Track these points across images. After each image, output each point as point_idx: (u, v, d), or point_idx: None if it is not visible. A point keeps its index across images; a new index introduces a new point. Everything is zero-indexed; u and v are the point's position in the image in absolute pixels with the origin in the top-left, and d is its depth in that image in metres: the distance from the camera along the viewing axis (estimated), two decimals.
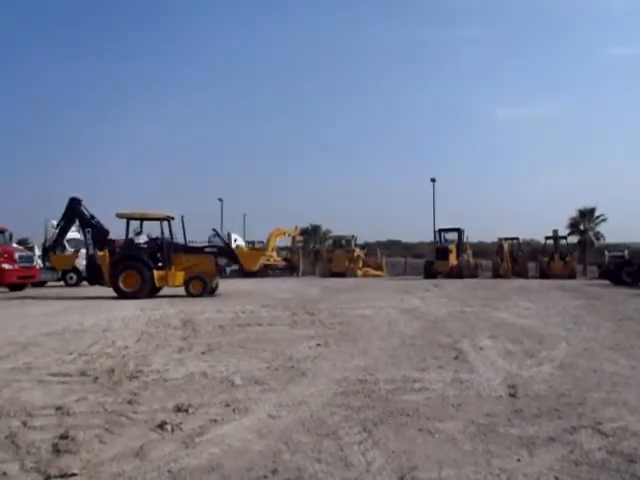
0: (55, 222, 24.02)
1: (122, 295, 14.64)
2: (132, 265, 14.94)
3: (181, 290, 15.06)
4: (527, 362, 5.44)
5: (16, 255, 18.71)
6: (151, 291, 15.11)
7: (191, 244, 16.52)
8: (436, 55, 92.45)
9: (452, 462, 2.82)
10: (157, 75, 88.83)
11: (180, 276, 15.24)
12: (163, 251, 15.35)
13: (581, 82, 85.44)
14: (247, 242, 33.48)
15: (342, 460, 2.85)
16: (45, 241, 23.92)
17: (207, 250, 16.16)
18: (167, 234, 15.60)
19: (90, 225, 16.29)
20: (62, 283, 22.71)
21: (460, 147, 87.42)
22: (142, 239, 15.82)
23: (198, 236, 21.39)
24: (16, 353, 6.10)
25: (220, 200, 46.08)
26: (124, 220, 15.50)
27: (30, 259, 20.01)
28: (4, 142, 75.87)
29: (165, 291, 15.57)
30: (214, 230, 17.68)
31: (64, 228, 17.01)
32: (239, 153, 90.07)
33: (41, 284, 22.00)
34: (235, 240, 35.76)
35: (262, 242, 30.82)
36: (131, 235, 15.82)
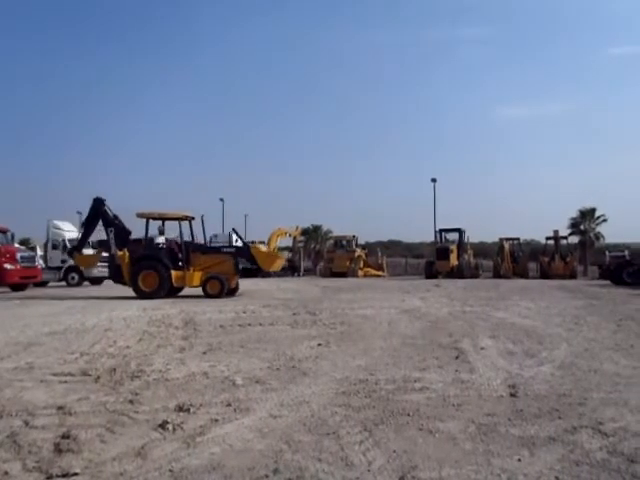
0: (57, 222, 24.17)
1: (141, 295, 14.63)
2: (151, 265, 14.93)
3: (198, 290, 15.03)
4: (528, 362, 5.45)
5: (18, 255, 18.74)
6: (170, 291, 15.08)
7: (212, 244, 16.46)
8: (436, 54, 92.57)
9: (453, 462, 2.82)
10: (157, 75, 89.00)
11: (198, 276, 15.16)
12: (181, 251, 15.29)
13: (582, 82, 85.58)
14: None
15: (343, 460, 2.86)
16: (47, 241, 24.02)
17: (226, 250, 16.11)
18: (186, 234, 15.61)
19: (113, 225, 16.31)
20: (64, 283, 22.74)
21: (461, 147, 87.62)
22: (161, 239, 15.79)
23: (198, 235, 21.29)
24: (18, 353, 6.12)
25: (221, 200, 46.15)
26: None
27: (32, 259, 20.04)
28: (6, 142, 76.03)
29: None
30: (233, 229, 17.28)
31: (88, 227, 17.02)
32: (240, 153, 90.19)
33: (43, 284, 22.03)
34: (236, 240, 35.81)
35: (263, 242, 30.83)
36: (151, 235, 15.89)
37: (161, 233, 15.93)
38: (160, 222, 16.61)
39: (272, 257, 16.46)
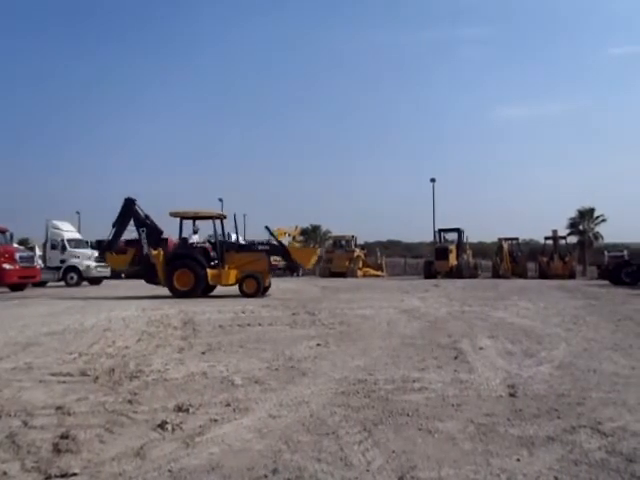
0: (56, 222, 24.15)
1: (176, 294, 14.57)
2: (186, 264, 14.86)
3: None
4: (526, 362, 5.45)
5: (17, 255, 18.72)
6: (204, 290, 15.06)
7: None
8: (436, 54, 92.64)
9: (452, 462, 2.83)
10: (157, 75, 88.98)
11: (233, 275, 15.09)
12: (216, 250, 15.26)
13: (581, 82, 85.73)
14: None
15: (342, 460, 2.86)
16: (46, 241, 24.00)
17: (260, 248, 15.96)
18: (219, 232, 15.57)
19: (144, 225, 16.31)
20: (63, 283, 22.72)
21: (460, 147, 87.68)
22: (195, 238, 15.73)
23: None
24: (17, 353, 6.11)
25: (220, 200, 46.08)
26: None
27: (31, 259, 20.03)
28: (5, 142, 75.98)
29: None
30: (266, 227, 17.13)
31: (120, 227, 16.98)
32: (239, 153, 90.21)
33: (42, 284, 22.01)
34: (237, 239, 35.76)
35: (262, 242, 30.80)
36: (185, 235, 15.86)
37: (195, 232, 15.84)
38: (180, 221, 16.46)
39: (309, 253, 16.36)
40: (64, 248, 23.17)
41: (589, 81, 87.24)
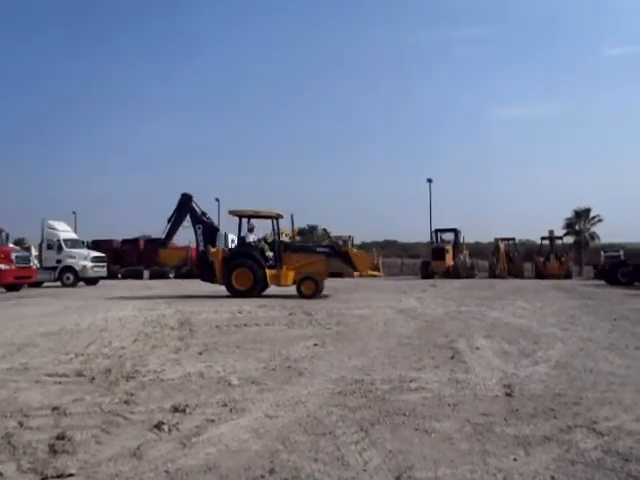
0: (52, 222, 24.09)
1: (234, 293, 14.47)
2: (244, 263, 14.75)
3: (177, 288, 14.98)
4: (523, 362, 5.46)
5: (13, 255, 18.67)
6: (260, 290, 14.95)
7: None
8: (435, 55, 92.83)
9: (448, 461, 2.83)
10: (157, 75, 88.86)
11: (291, 276, 14.98)
12: (273, 249, 15.16)
13: (578, 83, 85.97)
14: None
15: (339, 460, 2.86)
16: (42, 241, 23.93)
17: (319, 250, 15.90)
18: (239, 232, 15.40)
19: (201, 222, 16.12)
20: (59, 283, 22.66)
21: (457, 147, 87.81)
22: (251, 237, 15.61)
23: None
24: (12, 353, 6.09)
25: (217, 200, 46.05)
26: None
27: (27, 259, 19.97)
28: (4, 142, 75.77)
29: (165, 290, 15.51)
30: (324, 229, 16.89)
31: (175, 223, 16.77)
32: (239, 153, 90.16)
33: (38, 284, 21.94)
34: (232, 241, 35.73)
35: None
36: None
37: (251, 231, 15.68)
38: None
39: (367, 259, 16.25)
40: (60, 248, 23.11)
41: (588, 81, 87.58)
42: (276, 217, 15.53)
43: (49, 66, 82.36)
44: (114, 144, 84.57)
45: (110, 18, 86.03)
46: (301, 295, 14.46)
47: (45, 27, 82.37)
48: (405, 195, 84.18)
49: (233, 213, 15.56)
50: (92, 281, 23.60)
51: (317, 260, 15.29)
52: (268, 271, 14.78)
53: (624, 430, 3.30)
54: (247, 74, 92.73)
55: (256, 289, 14.64)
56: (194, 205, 16.30)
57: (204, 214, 16.36)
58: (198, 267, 16.63)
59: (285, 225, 16.49)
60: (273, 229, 15.46)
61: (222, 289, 15.30)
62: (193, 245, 37.26)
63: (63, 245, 23.26)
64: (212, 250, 15.37)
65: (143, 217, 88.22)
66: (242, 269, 14.71)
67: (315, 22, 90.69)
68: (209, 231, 16.10)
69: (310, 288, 14.57)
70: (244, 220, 15.53)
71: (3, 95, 79.15)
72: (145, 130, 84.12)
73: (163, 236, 17.37)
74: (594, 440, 3.14)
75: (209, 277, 15.60)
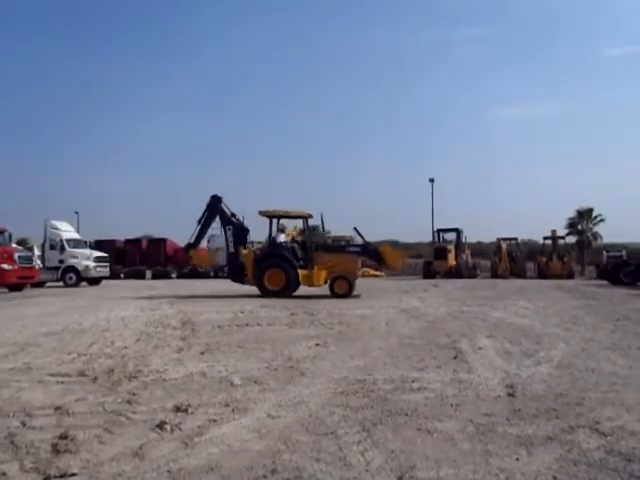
0: (55, 222, 24.14)
1: (266, 294, 14.35)
2: (277, 263, 14.65)
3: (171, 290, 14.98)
4: (525, 362, 5.45)
5: (15, 255, 18.71)
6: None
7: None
8: (433, 55, 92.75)
9: (451, 461, 2.83)
10: (157, 75, 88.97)
11: (323, 276, 14.87)
12: (304, 249, 15.09)
13: (579, 82, 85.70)
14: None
15: (341, 460, 2.86)
16: (45, 241, 23.98)
17: (351, 249, 15.75)
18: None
19: (231, 223, 16.11)
20: (61, 283, 22.70)
21: (458, 147, 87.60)
22: (282, 238, 15.52)
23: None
24: (15, 353, 6.10)
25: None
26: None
27: (29, 259, 20.02)
28: (5, 142, 75.96)
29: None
30: (355, 229, 16.69)
31: (205, 225, 16.83)
32: (239, 153, 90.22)
33: (40, 284, 21.98)
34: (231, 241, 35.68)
35: (260, 242, 30.81)
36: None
37: (282, 231, 15.64)
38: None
39: (399, 255, 16.09)
40: (63, 248, 23.14)
41: (588, 81, 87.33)
42: (307, 217, 15.45)
43: (49, 66, 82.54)
44: (114, 144, 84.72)
45: (110, 18, 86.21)
46: (334, 295, 14.36)
47: (45, 27, 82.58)
48: (406, 195, 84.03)
49: (263, 214, 15.42)
50: (95, 281, 23.64)
51: (349, 259, 15.18)
52: (300, 271, 14.67)
53: (627, 430, 3.29)
54: (247, 74, 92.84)
55: (289, 289, 14.54)
56: (223, 206, 16.30)
57: (233, 215, 16.32)
58: (228, 268, 16.58)
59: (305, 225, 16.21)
60: (304, 229, 15.39)
61: (222, 289, 15.33)
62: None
63: (66, 245, 23.30)
64: (243, 251, 15.34)
65: (145, 217, 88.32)
66: (274, 270, 14.60)
67: (315, 22, 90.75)
68: (239, 232, 16.06)
69: (343, 287, 14.49)
70: (274, 220, 15.44)
71: (3, 95, 79.35)
72: (145, 130, 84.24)
73: (193, 238, 17.36)
74: (597, 440, 3.13)
75: (239, 278, 15.56)
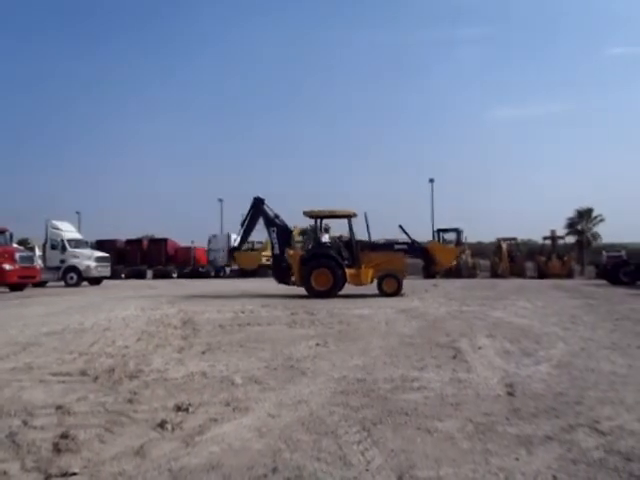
0: (56, 222, 24.17)
1: (313, 294, 14.27)
2: (324, 263, 14.54)
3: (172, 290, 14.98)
4: (525, 361, 5.46)
5: (17, 255, 18.74)
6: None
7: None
8: (436, 55, 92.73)
9: (450, 461, 2.84)
10: (157, 75, 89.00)
11: (370, 274, 14.80)
12: (350, 248, 15.00)
13: (579, 82, 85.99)
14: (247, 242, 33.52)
15: (341, 459, 2.87)
16: (46, 241, 24.01)
17: (397, 247, 15.56)
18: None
19: (274, 224, 16.06)
20: (62, 283, 22.72)
21: (459, 147, 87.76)
22: (326, 237, 15.46)
23: (198, 235, 21.26)
24: (16, 353, 6.12)
25: (220, 200, 46.21)
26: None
27: (31, 259, 20.04)
28: (5, 142, 76.00)
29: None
30: (400, 226, 16.51)
31: (249, 227, 16.85)
32: (239, 153, 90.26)
33: (42, 284, 22.02)
34: (235, 240, 35.75)
35: (261, 242, 30.84)
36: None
37: (326, 231, 15.60)
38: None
39: (450, 252, 15.93)
40: (64, 248, 23.19)
41: (587, 81, 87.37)
42: (351, 216, 15.31)
43: (49, 66, 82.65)
44: (115, 144, 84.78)
45: (110, 18, 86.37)
46: (382, 293, 14.26)
47: (45, 27, 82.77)
48: (406, 195, 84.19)
49: (308, 214, 15.36)
50: (96, 281, 23.68)
51: (396, 257, 15.10)
52: (347, 270, 14.58)
53: (626, 430, 3.30)
54: (247, 74, 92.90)
55: (336, 289, 14.44)
56: (266, 208, 16.24)
57: (277, 216, 16.25)
58: (273, 270, 16.52)
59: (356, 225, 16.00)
60: (350, 228, 15.17)
61: (223, 289, 15.34)
62: (196, 246, 37.62)
63: (67, 245, 23.33)
64: (290, 252, 15.30)
65: (146, 217, 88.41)
66: (322, 270, 14.47)
67: (315, 22, 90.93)
68: (283, 233, 16.02)
69: (392, 286, 14.42)
70: (317, 220, 15.42)
71: (4, 95, 79.43)
72: (145, 130, 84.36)
73: (237, 240, 17.34)
74: (596, 440, 3.14)
75: (285, 279, 15.54)
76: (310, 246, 16.53)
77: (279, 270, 15.79)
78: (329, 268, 14.49)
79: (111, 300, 14.07)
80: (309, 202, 78.55)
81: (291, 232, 16.35)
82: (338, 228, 15.98)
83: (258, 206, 16.34)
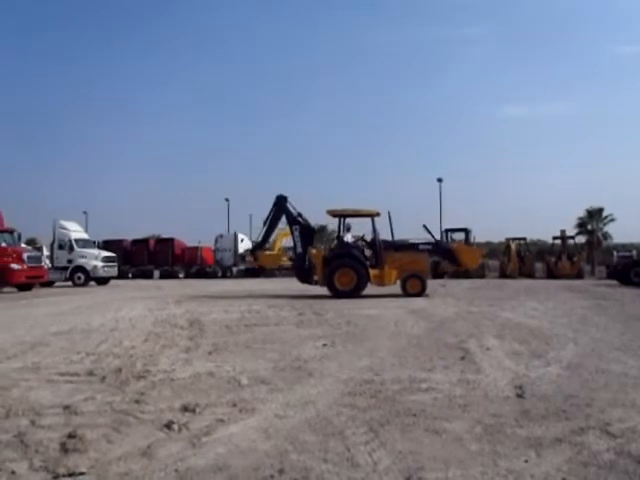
0: (63, 222, 24.31)
1: (336, 294, 14.10)
2: (347, 263, 14.35)
3: (178, 291, 15.02)
4: (534, 363, 5.41)
5: (24, 255, 18.86)
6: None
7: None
8: (441, 54, 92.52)
9: (459, 462, 2.81)
10: (157, 75, 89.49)
11: (394, 275, 14.62)
12: (373, 248, 14.84)
13: (587, 80, 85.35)
14: (253, 242, 33.57)
15: (349, 460, 2.85)
16: (53, 241, 24.15)
17: (421, 248, 15.28)
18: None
19: (297, 223, 15.91)
20: (70, 283, 22.85)
21: (467, 147, 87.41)
22: (349, 237, 15.20)
23: (204, 235, 21.32)
24: (24, 353, 6.15)
25: (227, 200, 46.36)
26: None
27: (38, 259, 20.17)
28: (13, 141, 76.69)
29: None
30: (424, 226, 16.29)
31: (271, 225, 16.70)
32: (241, 154, 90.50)
33: (49, 284, 22.15)
34: (242, 240, 35.84)
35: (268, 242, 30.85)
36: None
37: (348, 230, 15.46)
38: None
39: (474, 252, 15.71)
40: (71, 248, 23.31)
41: (596, 79, 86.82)
42: (375, 215, 15.11)
43: (49, 66, 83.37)
44: (123, 144, 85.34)
45: (110, 18, 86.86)
46: (406, 294, 14.11)
47: (45, 27, 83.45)
48: (414, 194, 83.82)
49: (332, 213, 15.21)
50: (103, 281, 23.79)
51: (420, 258, 14.90)
52: (371, 271, 14.43)
53: (637, 432, 3.26)
54: (248, 74, 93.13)
55: (360, 289, 14.27)
56: (289, 206, 16.06)
57: (300, 215, 16.06)
58: (295, 269, 16.37)
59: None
60: (374, 228, 14.99)
61: (230, 289, 15.36)
62: (202, 245, 37.71)
63: (74, 245, 23.46)
64: (313, 252, 15.16)
65: (153, 217, 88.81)
66: (345, 270, 14.29)
67: (315, 22, 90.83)
68: (306, 232, 15.85)
69: (416, 286, 14.27)
70: (339, 220, 15.18)
71: (11, 95, 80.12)
72: (151, 131, 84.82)
73: (260, 239, 17.16)
74: (606, 442, 3.10)
75: (307, 278, 15.38)
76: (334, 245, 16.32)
77: (301, 269, 15.58)
78: (353, 268, 14.30)
79: (118, 300, 14.12)
80: (314, 201, 78.61)
81: (314, 231, 16.09)
82: (359, 228, 15.61)
83: (281, 204, 16.11)
